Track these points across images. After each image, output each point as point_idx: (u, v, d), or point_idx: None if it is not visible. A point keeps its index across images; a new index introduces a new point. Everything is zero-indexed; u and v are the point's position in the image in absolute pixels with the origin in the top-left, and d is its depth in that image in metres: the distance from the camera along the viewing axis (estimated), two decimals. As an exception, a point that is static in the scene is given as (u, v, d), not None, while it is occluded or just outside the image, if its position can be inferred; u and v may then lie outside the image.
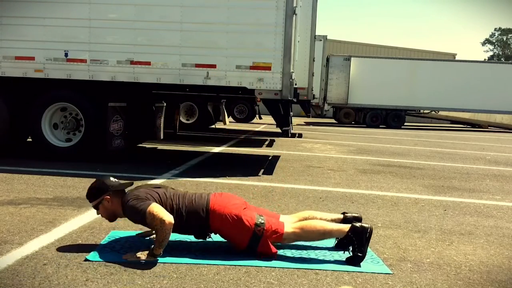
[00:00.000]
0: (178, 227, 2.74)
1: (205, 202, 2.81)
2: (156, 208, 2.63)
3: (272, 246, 2.75)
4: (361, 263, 2.72)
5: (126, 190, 2.89)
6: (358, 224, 2.79)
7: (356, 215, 3.09)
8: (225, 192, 3.12)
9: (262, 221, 2.76)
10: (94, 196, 2.83)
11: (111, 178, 2.89)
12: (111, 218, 2.90)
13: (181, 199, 2.82)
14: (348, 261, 2.73)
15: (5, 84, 6.20)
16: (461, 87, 20.67)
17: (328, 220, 3.01)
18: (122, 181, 2.92)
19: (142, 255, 2.62)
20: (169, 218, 2.60)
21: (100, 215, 2.91)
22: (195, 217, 2.76)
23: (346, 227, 2.80)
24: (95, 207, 2.86)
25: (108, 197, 2.80)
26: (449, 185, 5.85)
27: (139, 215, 2.65)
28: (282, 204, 4.24)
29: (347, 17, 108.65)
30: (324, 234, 2.82)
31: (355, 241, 2.73)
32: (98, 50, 6.00)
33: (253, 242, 2.73)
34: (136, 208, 2.66)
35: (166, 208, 2.70)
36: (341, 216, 3.08)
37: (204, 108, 11.76)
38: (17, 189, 4.37)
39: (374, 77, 21.05)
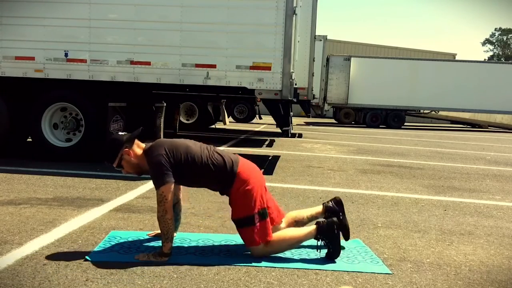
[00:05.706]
0: (204, 179, 2.76)
1: (236, 160, 2.81)
2: (168, 194, 2.59)
3: (252, 239, 2.70)
4: (361, 263, 2.72)
5: (146, 142, 2.82)
6: (323, 222, 2.79)
7: (335, 199, 3.11)
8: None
9: (266, 216, 2.74)
10: (113, 154, 2.74)
11: (119, 133, 2.82)
12: (138, 172, 2.82)
13: (210, 152, 2.80)
14: (327, 257, 2.75)
15: (5, 84, 6.21)
16: (461, 87, 20.66)
17: (308, 217, 3.05)
18: (128, 133, 2.84)
19: (153, 257, 2.61)
20: (171, 210, 2.60)
21: (126, 173, 2.82)
22: (222, 173, 2.74)
23: (313, 229, 2.78)
24: (118, 166, 2.77)
25: (127, 149, 2.73)
26: (449, 185, 5.85)
27: (155, 184, 2.63)
28: (282, 204, 4.24)
29: (347, 17, 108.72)
30: (293, 245, 2.82)
31: (325, 239, 2.76)
32: (98, 50, 6.01)
33: (245, 221, 2.71)
34: (155, 175, 2.63)
35: (192, 159, 2.69)
36: (321, 208, 3.09)
37: (204, 108, 11.78)
38: (17, 189, 4.37)
39: (374, 77, 21.05)
